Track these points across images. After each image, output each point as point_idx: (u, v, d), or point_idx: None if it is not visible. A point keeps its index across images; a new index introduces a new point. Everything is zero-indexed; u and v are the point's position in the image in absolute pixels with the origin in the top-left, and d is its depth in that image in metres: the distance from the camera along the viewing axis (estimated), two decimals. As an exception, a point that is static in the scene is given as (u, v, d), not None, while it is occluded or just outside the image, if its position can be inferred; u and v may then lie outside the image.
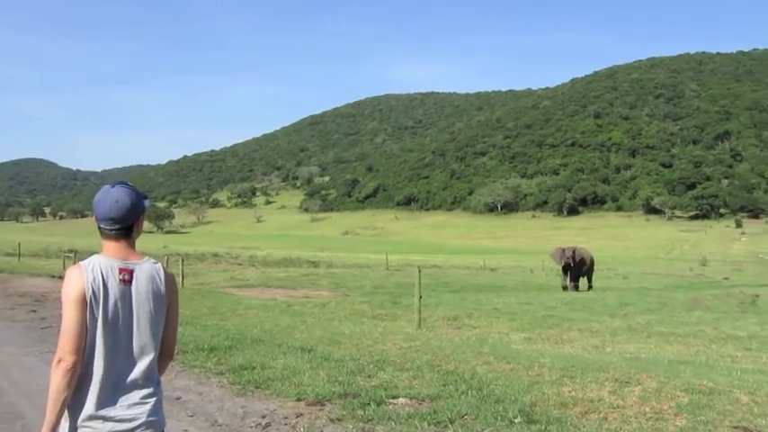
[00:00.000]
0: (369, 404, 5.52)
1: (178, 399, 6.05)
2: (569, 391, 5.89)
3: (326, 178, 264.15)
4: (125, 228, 2.53)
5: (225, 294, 18.58)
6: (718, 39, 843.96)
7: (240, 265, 40.65)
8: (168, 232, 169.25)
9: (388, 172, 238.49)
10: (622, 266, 66.88)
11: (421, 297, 11.55)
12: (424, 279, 31.49)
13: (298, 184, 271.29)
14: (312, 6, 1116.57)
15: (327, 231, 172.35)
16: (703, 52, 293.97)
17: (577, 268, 29.00)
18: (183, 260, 21.42)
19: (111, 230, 2.51)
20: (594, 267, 30.76)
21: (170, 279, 2.62)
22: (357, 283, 27.24)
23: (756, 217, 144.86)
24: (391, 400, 5.68)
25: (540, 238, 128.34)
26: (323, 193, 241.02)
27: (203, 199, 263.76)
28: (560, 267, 29.43)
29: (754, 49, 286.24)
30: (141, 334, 2.45)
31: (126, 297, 2.44)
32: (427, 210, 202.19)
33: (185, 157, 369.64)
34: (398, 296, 19.23)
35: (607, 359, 7.87)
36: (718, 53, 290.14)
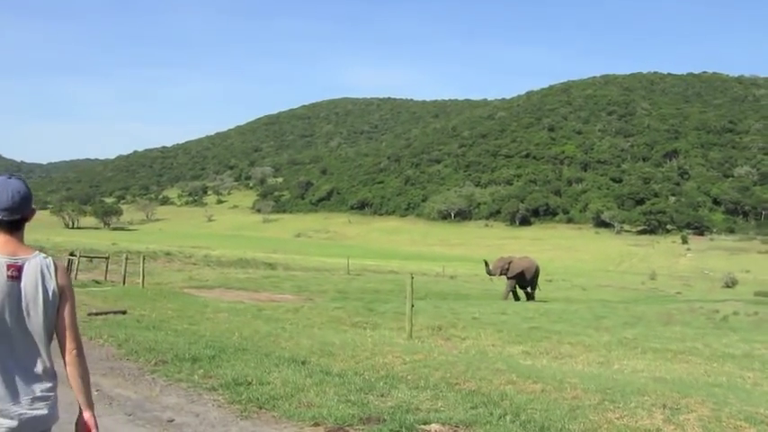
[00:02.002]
0: (400, 431, 4.77)
1: (171, 421, 5.21)
2: (617, 419, 5.25)
3: (280, 179, 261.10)
4: (22, 219, 2.48)
5: (188, 296, 17.66)
6: (670, 60, 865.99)
7: (195, 264, 39.49)
8: (115, 229, 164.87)
9: (342, 175, 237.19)
10: (575, 278, 67.44)
11: (413, 306, 10.82)
12: (386, 285, 31.17)
13: (250, 185, 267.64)
14: (271, 5, 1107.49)
15: (280, 233, 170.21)
16: (655, 72, 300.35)
17: (517, 279, 28.41)
18: (143, 259, 20.28)
19: (9, 221, 2.45)
20: (537, 279, 29.66)
21: (62, 272, 2.53)
22: (320, 287, 26.62)
23: (701, 234, 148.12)
24: (423, 426, 4.96)
25: (492, 246, 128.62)
26: (276, 194, 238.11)
27: (153, 196, 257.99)
28: (499, 276, 29.05)
29: (703, 72, 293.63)
30: (33, 330, 2.41)
31: (14, 293, 2.38)
32: (381, 215, 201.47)
33: (135, 152, 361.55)
34: (370, 302, 18.72)
35: (631, 379, 7.27)
36: (669, 74, 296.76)
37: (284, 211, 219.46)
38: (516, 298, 27.98)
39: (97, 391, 6.04)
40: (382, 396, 5.96)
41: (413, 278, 11.00)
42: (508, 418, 5.16)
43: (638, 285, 61.25)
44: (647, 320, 18.50)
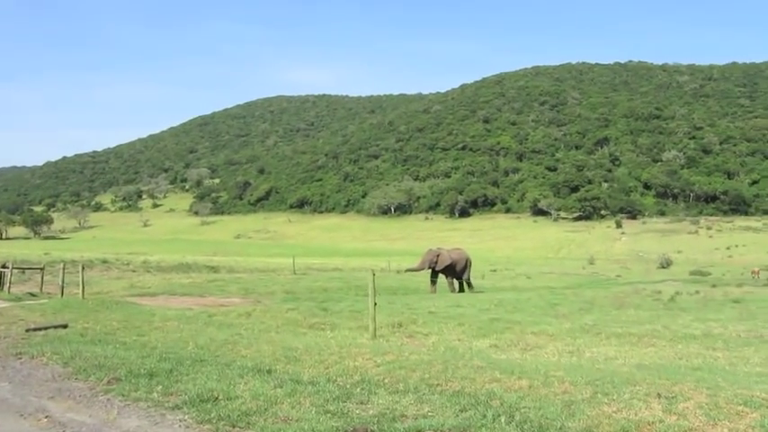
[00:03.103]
0: (392, 444, 4.36)
1: (136, 447, 4.67)
2: (615, 412, 4.97)
3: (217, 180, 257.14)
4: None
5: (131, 304, 16.81)
6: (597, 50, 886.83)
7: (134, 271, 38.19)
8: (47, 238, 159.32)
9: (280, 174, 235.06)
10: (518, 266, 68.48)
11: (376, 304, 10.42)
12: (333, 283, 30.70)
13: (186, 187, 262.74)
14: (203, 7, 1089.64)
15: (219, 235, 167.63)
16: (583, 62, 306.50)
17: (448, 272, 27.88)
18: (83, 268, 19.27)
19: None
20: (470, 269, 28.91)
21: None
22: (267, 289, 26.01)
23: (634, 218, 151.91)
24: (416, 437, 4.54)
25: (433, 239, 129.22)
26: (213, 195, 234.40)
27: (85, 202, 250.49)
28: (425, 269, 27.82)
29: (629, 61, 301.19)
30: None
31: None
32: (321, 212, 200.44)
33: (64, 157, 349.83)
34: (323, 302, 18.23)
35: (612, 368, 7.03)
36: (596, 63, 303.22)
37: (222, 213, 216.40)
38: (453, 289, 27.60)
39: (46, 417, 5.45)
40: (362, 404, 5.55)
41: (374, 275, 10.56)
42: (503, 419, 4.82)
43: (579, 270, 62.54)
44: (599, 305, 18.58)
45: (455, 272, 27.79)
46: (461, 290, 27.90)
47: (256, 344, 9.19)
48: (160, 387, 6.36)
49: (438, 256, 27.38)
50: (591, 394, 5.44)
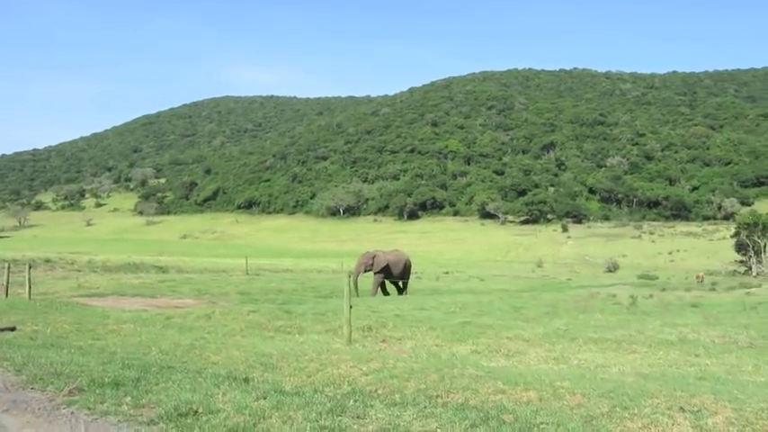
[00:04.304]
0: (409, 467, 3.86)
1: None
2: (641, 428, 4.57)
3: (162, 180, 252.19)
4: None
5: (81, 306, 15.93)
6: (543, 57, 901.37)
7: (79, 271, 36.72)
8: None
9: (227, 175, 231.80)
10: (468, 268, 68.79)
11: (351, 307, 9.92)
12: (287, 284, 30.03)
13: (131, 186, 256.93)
14: (147, 3, 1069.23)
15: (165, 235, 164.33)
16: (530, 69, 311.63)
17: (384, 274, 26.36)
18: (29, 267, 18.21)
19: None
20: (410, 272, 28.07)
21: None
22: (221, 290, 25.21)
23: (579, 222, 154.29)
24: (432, 458, 4.04)
25: (382, 241, 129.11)
26: (159, 195, 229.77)
27: (25, 201, 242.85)
28: (361, 273, 26.48)
29: (574, 68, 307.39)
30: None
31: None
32: (269, 213, 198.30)
33: (3, 155, 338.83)
34: (283, 304, 17.71)
35: (611, 377, 6.66)
36: (542, 70, 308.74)
37: (168, 213, 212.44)
38: (385, 293, 26.72)
39: (2, 435, 4.78)
40: (359, 418, 5.03)
41: (351, 277, 10.05)
42: (522, 437, 4.36)
43: (529, 273, 63.04)
44: (564, 309, 18.50)
45: (391, 274, 26.89)
46: (400, 292, 27.08)
47: (225, 349, 8.64)
48: (129, 398, 5.72)
49: (374, 257, 26.60)
50: (609, 408, 5.04)
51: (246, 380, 6.53)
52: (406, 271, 27.27)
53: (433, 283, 38.04)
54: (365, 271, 26.57)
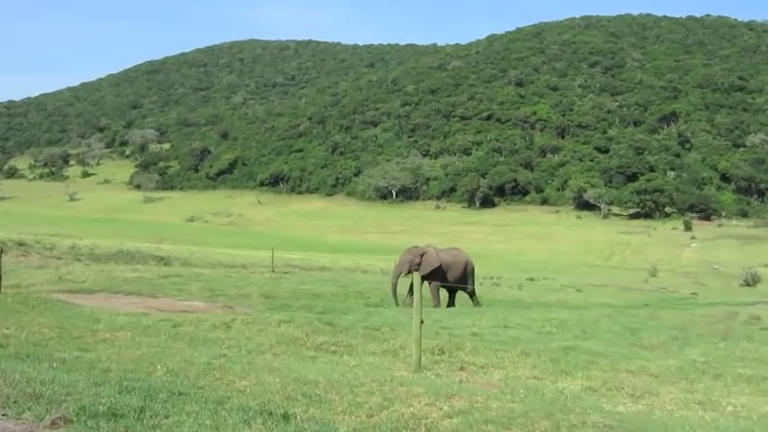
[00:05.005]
0: None
1: None
2: None
3: (167, 146, 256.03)
4: None
5: (64, 304, 16.05)
6: (664, 0, 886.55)
7: (60, 258, 37.38)
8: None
9: (249, 141, 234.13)
10: (558, 275, 68.28)
11: (422, 322, 9.70)
12: (325, 287, 29.98)
13: (127, 152, 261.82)
14: None
15: (166, 216, 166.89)
16: (648, 14, 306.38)
17: (435, 278, 25.76)
18: (1, 251, 18.43)
19: None
20: (474, 278, 27.45)
21: None
22: (239, 290, 25.33)
23: (707, 219, 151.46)
24: None
25: (446, 234, 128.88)
26: (161, 165, 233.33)
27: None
28: (402, 275, 25.45)
29: (706, 15, 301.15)
30: None
31: None
32: (300, 193, 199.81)
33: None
34: (322, 313, 17.58)
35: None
36: (664, 17, 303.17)
37: (172, 188, 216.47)
38: (452, 304, 26.15)
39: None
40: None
41: (422, 281, 9.78)
42: None
43: (641, 284, 62.27)
44: (695, 333, 18.03)
45: (446, 279, 26.04)
46: (451, 304, 26.44)
47: (253, 372, 8.55)
48: (131, 437, 5.53)
49: (423, 255, 25.90)
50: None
51: (286, 417, 6.34)
52: (466, 276, 26.52)
53: (515, 292, 37.68)
54: (409, 272, 25.69)
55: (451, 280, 25.83)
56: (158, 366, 8.62)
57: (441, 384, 8.31)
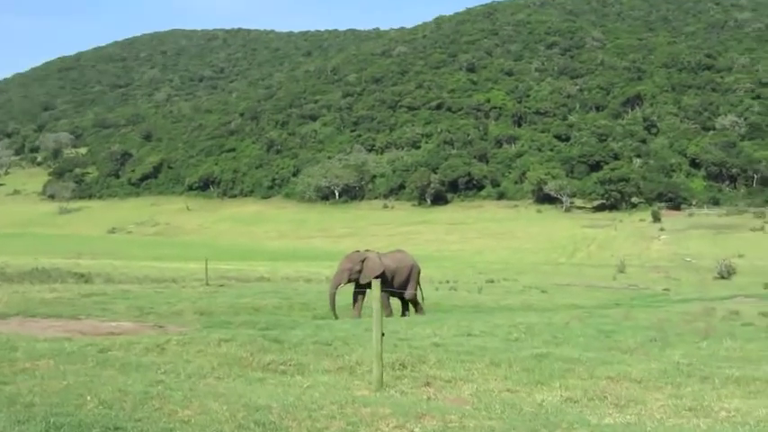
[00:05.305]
0: None
1: None
2: None
3: (83, 150, 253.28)
4: None
5: (-26, 331, 15.68)
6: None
7: (-34, 278, 36.86)
8: None
9: (175, 142, 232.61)
10: (520, 275, 68.90)
11: (383, 334, 9.67)
12: (267, 299, 29.83)
13: (39, 159, 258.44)
14: None
15: (85, 228, 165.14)
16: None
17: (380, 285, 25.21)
18: None
19: None
20: (418, 283, 27.07)
21: None
22: (171, 308, 25.13)
23: (677, 208, 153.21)
24: None
25: (395, 236, 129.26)
26: (77, 171, 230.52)
27: None
28: (342, 285, 25.36)
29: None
30: None
31: None
32: (234, 197, 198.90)
33: None
34: (266, 329, 17.41)
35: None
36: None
37: (91, 197, 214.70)
38: (404, 311, 26.02)
39: None
40: None
41: (382, 291, 9.70)
42: None
43: (609, 282, 62.91)
44: (674, 333, 18.29)
45: (392, 287, 25.45)
46: (405, 310, 26.40)
47: (197, 399, 8.45)
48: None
49: (364, 261, 25.80)
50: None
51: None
52: (411, 281, 26.52)
53: (475, 296, 37.85)
54: (349, 281, 25.63)
55: (397, 286, 25.76)
56: (88, 398, 8.48)
57: (407, 403, 8.30)
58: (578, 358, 12.76)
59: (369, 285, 24.91)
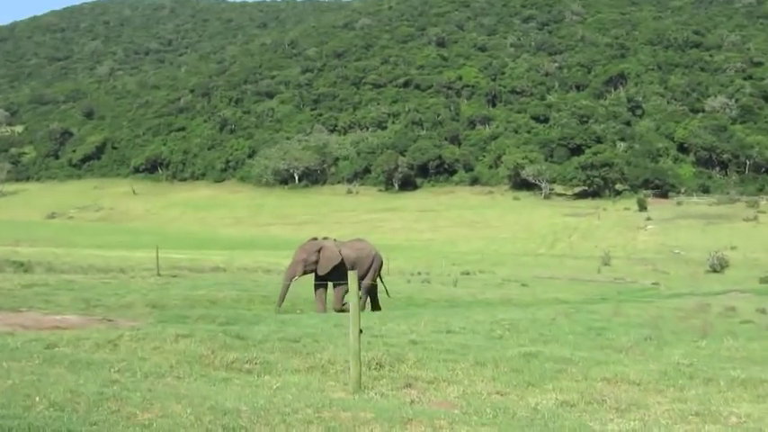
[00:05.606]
0: None
1: None
2: None
3: (19, 128, 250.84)
4: None
5: None
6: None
7: None
8: None
9: (119, 120, 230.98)
10: (497, 267, 69.08)
11: (361, 331, 9.57)
12: (224, 291, 29.64)
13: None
14: None
15: (22, 213, 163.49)
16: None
17: (337, 277, 25.10)
18: None
19: None
20: (378, 275, 26.75)
21: None
22: (120, 299, 24.87)
23: (664, 195, 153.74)
24: None
25: (360, 224, 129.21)
26: (13, 151, 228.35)
27: None
28: (298, 276, 25.13)
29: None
30: None
31: None
32: (184, 180, 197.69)
33: None
34: (226, 324, 17.35)
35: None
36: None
37: (28, 179, 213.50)
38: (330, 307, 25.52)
39: None
40: None
41: (365, 283, 9.57)
42: None
43: (594, 274, 63.18)
44: (669, 330, 18.43)
45: (345, 277, 25.06)
46: (373, 307, 25.93)
47: (157, 401, 8.31)
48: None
49: (320, 251, 25.42)
50: None
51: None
52: (371, 272, 26.10)
53: (450, 289, 37.84)
54: (305, 272, 25.34)
55: (358, 278, 24.85)
56: (37, 399, 8.30)
57: (390, 407, 8.21)
58: (570, 358, 12.71)
59: (329, 277, 24.80)
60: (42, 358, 11.60)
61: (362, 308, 24.78)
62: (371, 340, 14.19)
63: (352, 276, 10.37)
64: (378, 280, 26.45)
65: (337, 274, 24.52)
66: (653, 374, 11.36)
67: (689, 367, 12.06)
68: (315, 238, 26.26)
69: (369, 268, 25.97)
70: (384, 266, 28.53)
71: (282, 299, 24.50)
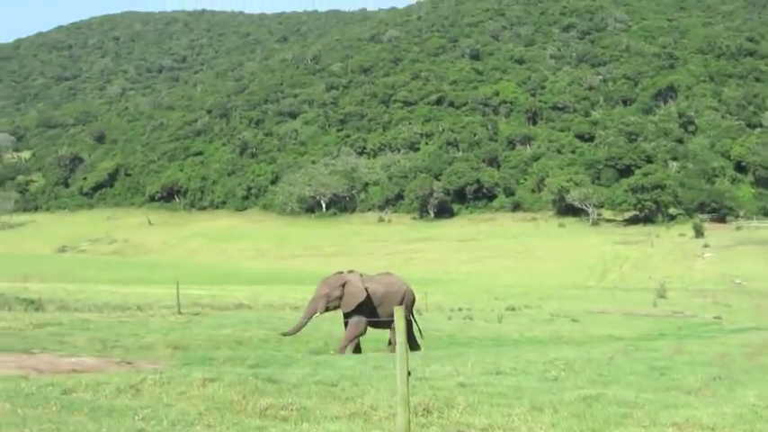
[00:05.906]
0: None
1: None
2: None
3: (26, 154, 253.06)
4: None
5: None
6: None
7: None
8: None
9: (132, 145, 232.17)
10: (544, 301, 68.68)
11: (409, 374, 9.47)
12: (250, 329, 29.66)
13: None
14: None
15: (31, 246, 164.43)
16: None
17: (361, 313, 24.24)
18: None
19: None
20: (413, 312, 26.39)
21: None
22: (138, 340, 24.88)
23: (722, 220, 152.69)
24: None
25: (393, 255, 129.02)
26: (20, 179, 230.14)
27: None
28: (319, 314, 24.70)
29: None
30: None
31: None
32: (203, 209, 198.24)
33: None
34: (257, 366, 17.26)
35: None
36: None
37: (37, 209, 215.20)
38: (358, 349, 24.63)
39: None
40: None
41: (416, 320, 9.51)
42: None
43: (649, 308, 62.62)
44: (740, 369, 18.27)
45: (376, 316, 24.51)
46: (410, 347, 25.22)
47: None
48: None
49: (344, 285, 25.02)
50: None
51: None
52: (405, 310, 25.04)
53: (495, 326, 37.63)
54: (328, 309, 24.90)
55: (386, 316, 24.12)
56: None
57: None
58: (634, 401, 12.60)
59: (353, 315, 24.24)
60: (60, 405, 11.57)
61: (393, 350, 24.44)
62: (416, 383, 14.08)
63: (398, 312, 10.17)
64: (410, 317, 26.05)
65: (363, 311, 24.32)
66: (728, 418, 11.21)
67: (766, 410, 11.92)
68: (340, 272, 25.84)
69: (400, 304, 23.57)
70: (421, 302, 28.31)
71: (296, 331, 24.45)
